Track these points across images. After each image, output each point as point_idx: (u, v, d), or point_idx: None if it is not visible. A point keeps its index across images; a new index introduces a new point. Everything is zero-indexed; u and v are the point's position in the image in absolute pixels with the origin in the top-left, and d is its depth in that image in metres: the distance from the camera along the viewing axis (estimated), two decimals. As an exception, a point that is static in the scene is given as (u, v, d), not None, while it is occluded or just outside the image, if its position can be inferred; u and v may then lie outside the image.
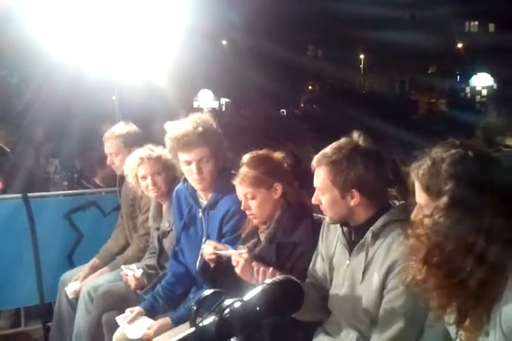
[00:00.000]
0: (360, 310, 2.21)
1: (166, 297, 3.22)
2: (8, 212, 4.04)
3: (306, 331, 2.45)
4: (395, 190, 2.76)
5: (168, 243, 3.44)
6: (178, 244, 3.25)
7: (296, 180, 2.91)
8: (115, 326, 3.15)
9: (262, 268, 2.42)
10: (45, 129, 6.10)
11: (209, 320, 1.14)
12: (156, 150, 3.50)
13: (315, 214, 2.86)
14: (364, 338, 2.22)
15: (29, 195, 4.02)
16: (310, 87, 38.04)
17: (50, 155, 6.19)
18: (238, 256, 2.54)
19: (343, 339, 2.28)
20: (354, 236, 2.31)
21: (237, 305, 1.15)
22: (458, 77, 37.64)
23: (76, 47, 4.25)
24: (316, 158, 2.30)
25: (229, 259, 2.64)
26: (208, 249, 2.74)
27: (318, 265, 2.47)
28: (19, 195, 4.03)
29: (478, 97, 33.90)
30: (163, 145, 3.15)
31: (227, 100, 27.43)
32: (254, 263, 2.47)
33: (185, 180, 3.16)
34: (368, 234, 2.21)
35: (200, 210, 3.11)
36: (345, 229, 2.34)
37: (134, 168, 3.49)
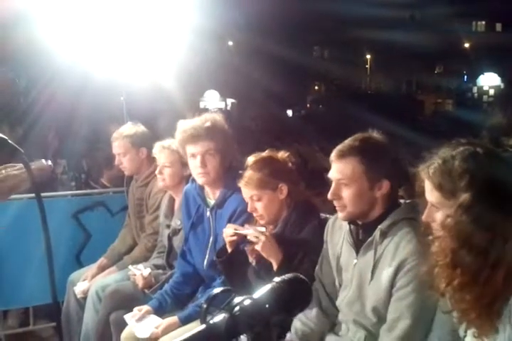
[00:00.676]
0: (369, 308, 2.22)
1: (173, 296, 3.24)
2: (19, 211, 4.07)
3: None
4: (402, 189, 2.77)
5: (177, 241, 3.46)
6: (186, 244, 3.27)
7: (303, 181, 2.92)
8: (123, 325, 3.17)
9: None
10: (54, 130, 6.13)
11: (219, 317, 1.15)
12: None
13: (322, 214, 2.88)
14: (372, 337, 2.23)
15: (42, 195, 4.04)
16: (316, 88, 38.00)
17: (58, 155, 6.22)
18: (259, 233, 2.58)
19: (351, 339, 2.29)
20: (361, 234, 2.30)
21: (247, 302, 1.17)
22: (465, 76, 37.52)
23: (83, 49, 4.27)
24: (338, 150, 2.25)
25: (244, 251, 2.69)
26: (229, 231, 2.75)
27: (324, 267, 2.47)
28: (32, 195, 4.05)
29: (485, 97, 33.77)
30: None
31: (233, 101, 27.45)
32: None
33: (193, 180, 3.19)
34: (377, 233, 2.21)
35: (208, 209, 3.13)
36: (352, 227, 2.34)
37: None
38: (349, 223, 2.34)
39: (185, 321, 3.01)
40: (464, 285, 1.66)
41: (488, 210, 1.66)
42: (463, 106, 26.42)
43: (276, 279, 1.24)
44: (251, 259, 2.73)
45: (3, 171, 2.20)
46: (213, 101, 28.16)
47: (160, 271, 3.53)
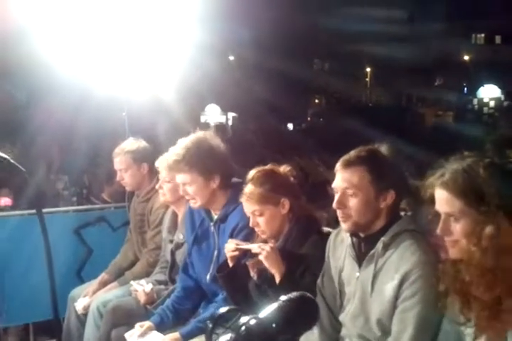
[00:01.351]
0: (373, 321, 2.21)
1: (175, 311, 3.22)
2: (20, 227, 4.07)
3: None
4: (405, 202, 2.76)
5: (180, 255, 3.45)
6: (189, 257, 3.26)
7: (304, 194, 2.91)
8: (125, 342, 3.14)
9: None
10: (57, 146, 6.15)
11: (225, 337, 1.14)
12: None
13: (324, 228, 2.86)
14: (376, 350, 2.21)
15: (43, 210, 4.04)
16: (316, 101, 38.10)
17: (60, 171, 6.23)
18: (263, 245, 2.59)
19: (355, 353, 2.27)
20: (364, 247, 2.29)
21: (253, 322, 1.15)
22: (465, 89, 37.60)
23: (85, 63, 4.29)
24: (344, 159, 2.25)
25: (245, 266, 2.69)
26: (230, 246, 2.74)
27: (326, 281, 2.45)
28: (33, 211, 4.04)
29: (485, 109, 33.78)
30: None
31: (234, 114, 27.52)
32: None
33: None
34: (379, 245, 2.20)
35: (211, 224, 3.13)
36: (354, 240, 2.32)
37: None
38: (351, 235, 2.32)
39: (187, 337, 2.99)
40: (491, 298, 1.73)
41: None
42: (463, 118, 26.45)
43: (283, 298, 1.22)
44: (252, 273, 2.71)
45: None
46: (214, 115, 28.22)
47: (162, 287, 3.51)
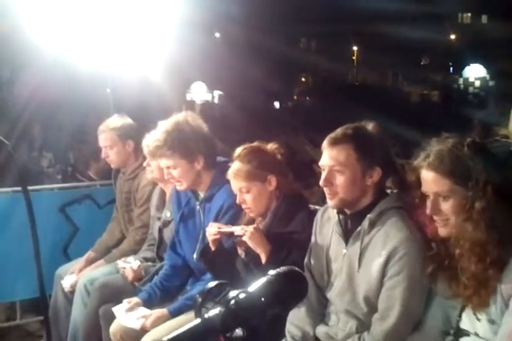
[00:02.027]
0: (360, 298, 2.23)
1: (163, 288, 3.23)
2: (4, 205, 4.04)
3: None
4: (390, 180, 2.78)
5: (168, 233, 3.45)
6: (176, 235, 3.26)
7: (291, 172, 2.91)
8: (112, 319, 3.16)
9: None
10: (39, 123, 6.08)
11: (214, 311, 1.15)
12: None
13: (311, 205, 2.87)
14: (363, 326, 2.24)
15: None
16: (303, 79, 37.94)
17: (44, 148, 6.17)
18: (246, 227, 2.59)
19: (342, 329, 2.30)
20: (350, 224, 2.31)
21: (242, 296, 1.16)
22: (451, 68, 37.64)
23: (69, 41, 4.22)
24: (331, 137, 2.26)
25: (230, 247, 2.69)
26: (212, 230, 2.74)
27: (313, 258, 2.47)
28: (18, 189, 4.01)
29: (471, 88, 33.91)
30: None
31: (220, 93, 27.34)
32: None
33: None
34: (365, 222, 2.22)
35: (197, 203, 3.12)
36: (341, 217, 2.34)
37: None
38: (338, 213, 2.34)
39: (174, 314, 3.01)
40: (479, 269, 1.82)
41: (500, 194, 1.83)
42: (449, 97, 26.54)
43: (272, 272, 1.23)
44: (240, 251, 2.72)
45: None
46: (200, 93, 28.02)
47: (150, 264, 3.52)
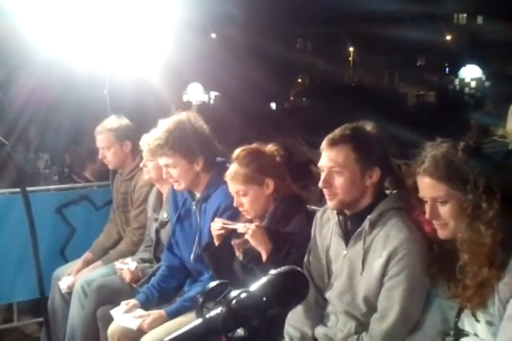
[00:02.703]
0: (360, 299, 2.23)
1: (160, 289, 3.22)
2: (1, 206, 4.02)
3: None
4: (387, 180, 2.79)
5: (165, 234, 3.44)
6: (173, 236, 3.26)
7: (288, 173, 2.90)
8: (110, 320, 3.14)
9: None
10: (36, 124, 6.06)
11: (216, 311, 1.15)
12: None
13: (309, 206, 2.87)
14: (362, 327, 2.24)
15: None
16: (299, 80, 37.97)
17: (40, 150, 6.16)
18: (249, 224, 2.59)
19: (341, 330, 2.29)
20: (350, 225, 2.30)
21: (244, 295, 1.16)
22: (447, 69, 37.70)
23: (65, 42, 4.21)
24: (329, 138, 2.24)
25: (230, 246, 2.68)
26: (217, 225, 2.73)
27: (312, 259, 2.47)
28: (15, 190, 4.00)
29: (467, 89, 33.98)
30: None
31: (216, 93, 27.34)
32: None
33: None
34: (366, 223, 2.21)
35: (193, 203, 3.12)
36: (340, 218, 2.33)
37: None
38: (337, 214, 2.33)
39: (172, 315, 3.00)
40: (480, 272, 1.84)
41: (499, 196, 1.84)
42: (445, 98, 26.60)
43: (273, 271, 1.23)
44: (238, 253, 2.71)
45: None
46: (197, 94, 28.02)
47: (147, 265, 3.52)
